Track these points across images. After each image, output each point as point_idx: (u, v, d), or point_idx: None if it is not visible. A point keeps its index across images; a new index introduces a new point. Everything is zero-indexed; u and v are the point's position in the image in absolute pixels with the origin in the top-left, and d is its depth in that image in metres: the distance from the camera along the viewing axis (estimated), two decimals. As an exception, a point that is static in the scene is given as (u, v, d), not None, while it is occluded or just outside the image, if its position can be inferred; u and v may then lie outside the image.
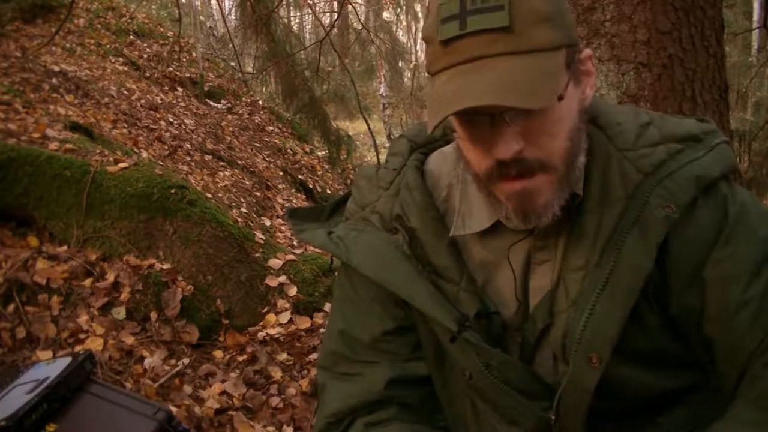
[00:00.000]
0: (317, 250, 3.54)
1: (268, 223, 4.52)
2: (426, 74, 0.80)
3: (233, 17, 9.82)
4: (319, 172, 7.32)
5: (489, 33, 0.70)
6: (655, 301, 0.83)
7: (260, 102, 8.55)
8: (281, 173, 6.35)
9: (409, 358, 0.92)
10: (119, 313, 2.57)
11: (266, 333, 2.74)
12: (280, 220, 4.80)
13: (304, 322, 2.81)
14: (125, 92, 5.71)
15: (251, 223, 3.97)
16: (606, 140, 0.85)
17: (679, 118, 0.90)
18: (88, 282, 2.63)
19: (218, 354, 2.65)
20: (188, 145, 5.25)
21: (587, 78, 0.82)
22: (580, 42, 0.82)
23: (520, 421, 0.86)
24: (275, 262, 3.01)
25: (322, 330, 2.74)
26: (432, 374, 0.93)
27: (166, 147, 4.93)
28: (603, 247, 0.80)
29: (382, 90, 11.86)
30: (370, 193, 0.93)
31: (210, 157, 5.35)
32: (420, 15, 15.48)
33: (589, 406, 0.82)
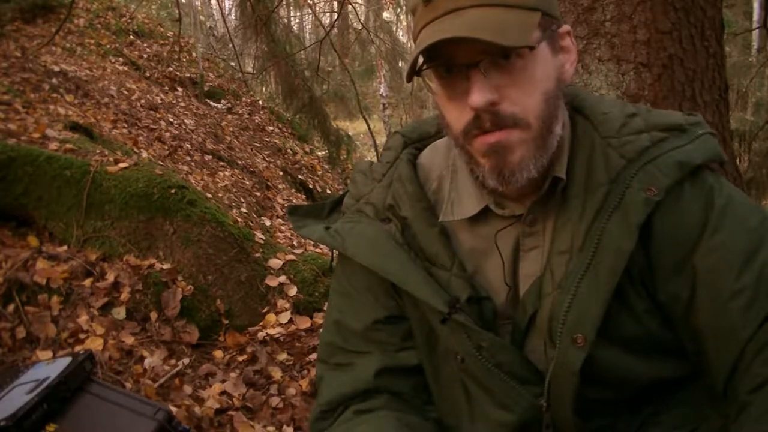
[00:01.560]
0: (317, 250, 3.54)
1: (268, 223, 4.52)
2: (411, 44, 0.85)
3: (233, 17, 9.82)
4: (319, 172, 7.31)
5: None
6: (641, 285, 0.84)
7: (260, 102, 8.55)
8: (281, 173, 6.35)
9: (400, 348, 0.94)
10: (119, 313, 2.57)
11: (266, 333, 2.74)
12: (280, 220, 4.80)
13: (304, 322, 2.82)
14: (125, 92, 5.71)
15: (251, 223, 3.97)
16: (591, 128, 0.87)
17: (667, 111, 0.92)
18: (88, 282, 2.63)
19: (218, 354, 2.65)
20: (188, 145, 5.24)
21: (566, 54, 0.84)
22: (561, 20, 0.85)
23: (513, 407, 0.87)
24: (275, 262, 3.01)
25: (321, 330, 2.74)
26: (423, 363, 0.94)
27: (166, 147, 4.93)
28: (586, 230, 0.83)
29: (382, 90, 11.85)
30: (364, 186, 0.97)
31: (210, 157, 5.35)
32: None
33: (576, 390, 0.83)
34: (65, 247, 2.77)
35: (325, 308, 2.85)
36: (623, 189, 0.82)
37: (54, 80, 4.76)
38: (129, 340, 2.47)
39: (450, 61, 0.77)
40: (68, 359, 1.65)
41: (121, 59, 7.04)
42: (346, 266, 0.97)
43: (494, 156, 0.79)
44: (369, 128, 6.94)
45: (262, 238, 3.18)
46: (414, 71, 0.79)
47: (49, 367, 1.63)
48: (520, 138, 0.79)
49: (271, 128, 7.77)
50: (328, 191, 6.92)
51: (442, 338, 0.90)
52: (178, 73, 7.58)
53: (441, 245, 0.89)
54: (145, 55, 7.67)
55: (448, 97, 0.81)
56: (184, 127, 5.74)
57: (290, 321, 2.81)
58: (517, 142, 0.79)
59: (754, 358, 0.79)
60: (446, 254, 0.89)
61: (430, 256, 0.89)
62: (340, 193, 1.08)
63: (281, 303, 2.87)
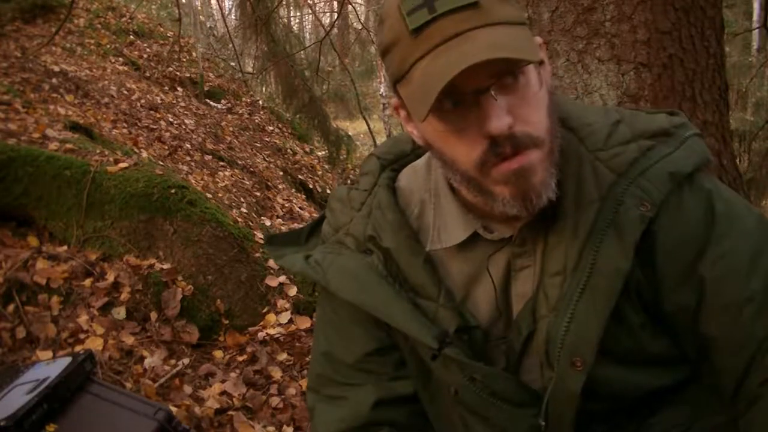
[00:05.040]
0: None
1: (268, 223, 4.52)
2: (393, 85, 0.79)
3: (233, 17, 9.83)
4: (319, 172, 7.31)
5: (459, 12, 0.71)
6: (638, 298, 0.82)
7: (260, 102, 8.54)
8: (281, 173, 6.35)
9: (394, 377, 0.92)
10: (119, 313, 2.57)
11: (266, 333, 2.74)
12: (280, 220, 4.80)
13: (304, 322, 2.81)
14: (125, 92, 5.70)
15: (251, 223, 3.97)
16: (577, 142, 0.85)
17: (650, 114, 0.90)
18: (88, 282, 2.63)
19: (218, 354, 2.65)
20: (188, 145, 5.24)
21: (545, 66, 0.82)
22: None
23: (511, 430, 0.86)
24: (275, 262, 3.01)
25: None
26: (418, 391, 0.92)
27: (166, 147, 4.92)
28: (580, 250, 0.80)
29: (382, 90, 11.84)
30: (342, 215, 0.93)
31: (210, 157, 5.35)
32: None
33: (576, 409, 0.82)
34: (65, 247, 2.77)
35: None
36: (616, 206, 0.79)
37: (54, 80, 4.76)
38: (129, 340, 2.47)
39: (458, 91, 0.72)
40: (68, 359, 1.65)
41: (121, 59, 7.04)
42: (331, 298, 0.93)
43: (518, 181, 0.75)
44: (369, 128, 6.95)
45: (262, 238, 3.18)
46: (429, 109, 0.70)
47: (49, 367, 1.63)
48: (539, 157, 0.75)
49: (271, 128, 7.77)
50: (328, 191, 6.92)
51: (434, 371, 0.88)
52: (178, 73, 7.58)
53: (426, 275, 0.86)
54: (145, 55, 7.66)
55: (453, 130, 0.75)
56: (184, 127, 5.74)
57: (290, 321, 2.81)
58: (537, 163, 0.75)
59: (765, 354, 0.79)
60: (432, 284, 0.86)
61: (415, 287, 0.86)
62: (317, 216, 1.05)
63: (281, 303, 2.87)
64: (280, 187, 5.80)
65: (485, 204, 0.80)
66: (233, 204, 4.37)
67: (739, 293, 0.79)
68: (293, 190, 6.22)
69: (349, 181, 7.61)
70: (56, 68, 5.06)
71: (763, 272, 0.79)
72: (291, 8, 13.73)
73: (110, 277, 2.66)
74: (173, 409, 2.03)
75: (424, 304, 0.86)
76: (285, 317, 2.81)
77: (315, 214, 5.16)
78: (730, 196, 0.85)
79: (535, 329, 0.84)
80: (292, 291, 2.92)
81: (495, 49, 0.69)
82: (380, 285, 0.86)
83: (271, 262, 3.01)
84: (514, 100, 0.74)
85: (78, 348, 2.34)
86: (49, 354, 2.27)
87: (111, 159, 3.07)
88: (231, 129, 6.67)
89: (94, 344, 2.37)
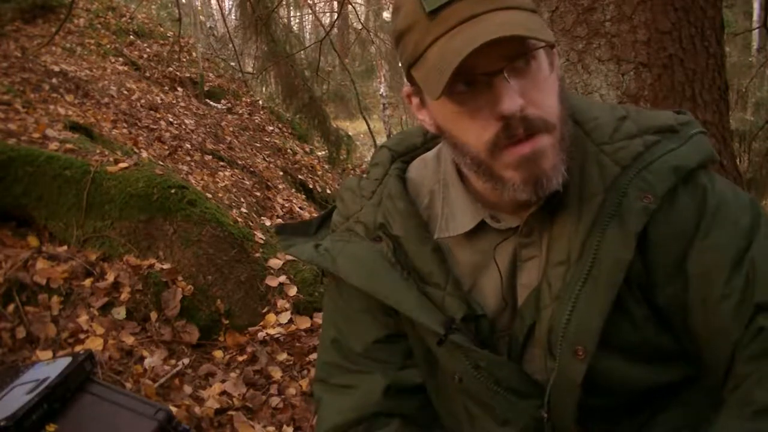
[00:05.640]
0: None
1: (268, 223, 4.52)
2: (407, 70, 0.81)
3: (233, 17, 9.84)
4: (319, 172, 7.31)
5: None
6: (639, 291, 0.83)
7: (260, 102, 8.54)
8: (281, 173, 6.34)
9: (402, 366, 0.93)
10: (119, 313, 2.57)
11: (266, 333, 2.74)
12: (280, 220, 4.80)
13: (304, 322, 2.82)
14: (125, 92, 5.70)
15: (251, 223, 3.97)
16: (583, 135, 0.86)
17: (656, 111, 0.90)
18: (88, 282, 2.63)
19: (218, 354, 2.65)
20: (188, 145, 5.24)
21: (555, 53, 0.82)
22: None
23: (513, 421, 0.86)
24: (275, 262, 3.01)
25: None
26: (426, 381, 0.93)
27: (166, 147, 4.92)
28: (583, 240, 0.81)
29: (382, 90, 11.85)
30: (353, 204, 0.94)
31: (210, 157, 5.34)
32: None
33: (578, 400, 0.82)
34: (65, 247, 2.77)
35: (325, 308, 2.85)
36: (620, 197, 0.80)
37: (54, 80, 4.76)
38: (129, 340, 2.47)
39: (471, 73, 0.73)
40: (68, 359, 1.65)
41: (121, 59, 7.04)
42: (340, 285, 0.94)
43: (529, 166, 0.76)
44: (369, 128, 6.96)
45: (262, 238, 3.18)
46: (444, 87, 0.72)
47: (49, 367, 1.63)
48: (550, 142, 0.76)
49: (271, 128, 7.77)
50: (328, 191, 6.91)
51: (440, 358, 0.89)
52: (178, 73, 7.57)
53: (435, 263, 0.87)
54: (145, 55, 7.66)
55: (466, 112, 0.76)
56: (184, 127, 5.74)
57: (290, 321, 2.81)
58: (549, 147, 0.76)
59: (739, 357, 0.79)
60: (440, 272, 0.87)
61: (423, 275, 0.87)
62: (328, 208, 1.06)
63: (281, 303, 2.87)
64: (280, 187, 5.79)
65: (494, 190, 0.81)
66: (233, 204, 4.37)
67: (720, 290, 0.80)
68: (293, 190, 6.21)
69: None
70: (56, 68, 5.06)
71: (746, 269, 0.79)
72: (291, 8, 13.74)
73: (110, 277, 2.66)
74: (173, 409, 2.03)
75: (432, 291, 0.87)
76: (285, 317, 2.81)
77: (315, 214, 5.15)
78: (725, 192, 0.85)
79: (538, 318, 0.84)
80: (292, 291, 2.92)
81: (510, 27, 0.71)
82: (389, 272, 0.87)
83: (272, 262, 3.01)
84: (526, 84, 0.75)
85: (78, 348, 2.34)
86: (49, 354, 2.27)
87: (111, 159, 3.07)
88: (231, 129, 6.67)
89: (94, 344, 2.37)
